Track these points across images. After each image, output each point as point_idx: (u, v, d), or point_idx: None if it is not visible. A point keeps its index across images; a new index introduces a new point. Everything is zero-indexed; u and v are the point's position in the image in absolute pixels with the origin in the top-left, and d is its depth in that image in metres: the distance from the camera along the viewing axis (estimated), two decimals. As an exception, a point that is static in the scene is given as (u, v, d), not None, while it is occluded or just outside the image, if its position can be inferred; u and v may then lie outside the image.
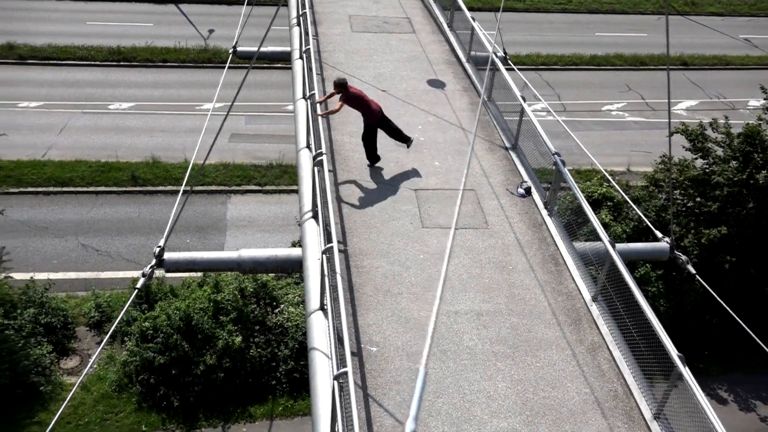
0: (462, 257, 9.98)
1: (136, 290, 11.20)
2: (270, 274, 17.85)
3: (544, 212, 11.06)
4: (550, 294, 9.53)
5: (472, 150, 8.38)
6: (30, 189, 22.49)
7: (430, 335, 4.54)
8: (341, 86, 11.46)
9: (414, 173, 11.74)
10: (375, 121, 11.73)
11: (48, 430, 9.17)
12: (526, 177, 11.86)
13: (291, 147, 25.34)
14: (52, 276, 18.77)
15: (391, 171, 11.73)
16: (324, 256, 8.40)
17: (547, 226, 10.81)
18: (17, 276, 17.84)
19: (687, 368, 7.29)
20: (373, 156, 11.92)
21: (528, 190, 11.50)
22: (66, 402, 9.67)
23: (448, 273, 9.65)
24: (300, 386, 16.24)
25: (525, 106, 12.03)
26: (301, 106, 13.07)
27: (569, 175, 10.45)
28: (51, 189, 22.59)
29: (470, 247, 10.20)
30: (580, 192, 10.14)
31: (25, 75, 29.20)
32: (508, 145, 12.84)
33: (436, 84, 14.77)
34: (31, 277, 18.00)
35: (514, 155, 12.53)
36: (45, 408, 15.38)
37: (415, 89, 14.44)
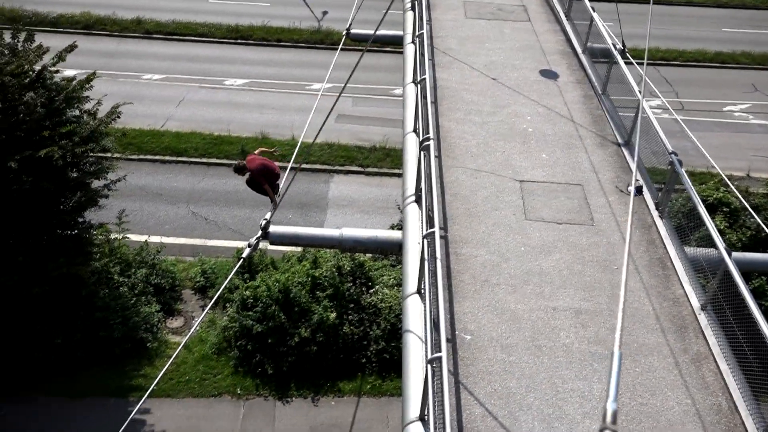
0: (564, 253, 9.76)
1: (241, 259, 11.70)
2: (367, 255, 18.13)
3: (655, 213, 10.63)
4: (655, 298, 9.17)
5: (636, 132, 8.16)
6: (149, 157, 23.86)
7: (620, 320, 4.23)
8: (242, 169, 12.09)
9: (520, 164, 11.55)
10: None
11: (153, 384, 9.80)
12: (637, 175, 11.42)
13: (395, 131, 25.57)
14: (164, 240, 19.87)
15: (497, 160, 11.60)
16: (425, 240, 8.44)
17: (657, 227, 10.39)
18: (133, 237, 19.05)
19: (802, 389, 6.85)
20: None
21: (639, 189, 11.08)
22: (171, 360, 10.26)
23: (547, 268, 9.48)
24: (389, 367, 16.46)
25: (643, 101, 11.56)
26: (411, 91, 13.12)
27: (686, 176, 9.98)
28: (167, 158, 23.86)
29: (573, 243, 9.95)
30: (696, 195, 9.66)
31: (150, 48, 30.88)
32: (620, 141, 12.40)
33: (549, 74, 14.43)
34: (146, 240, 19.12)
35: (626, 152, 12.09)
36: (150, 363, 16.36)
37: (526, 79, 14.16)
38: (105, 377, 15.94)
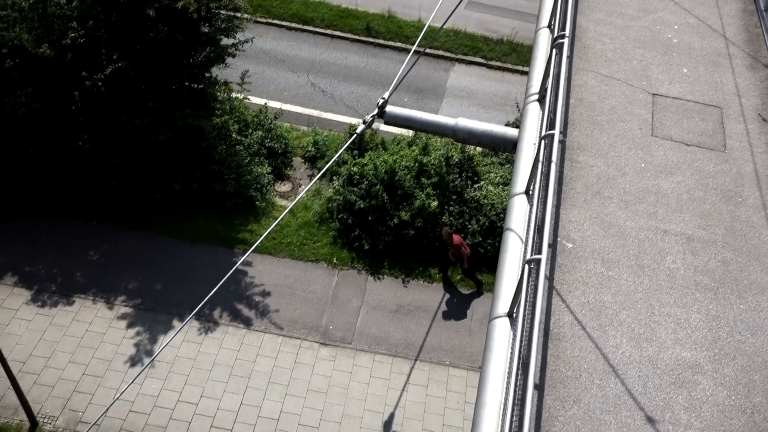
0: (687, 176, 9.27)
1: (354, 135, 11.84)
2: (478, 150, 17.93)
3: (797, 149, 9.81)
4: (778, 238, 8.64)
5: None
6: (276, 21, 24.01)
7: None
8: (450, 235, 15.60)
9: (656, 77, 10.83)
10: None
11: (258, 240, 10.38)
12: (786, 105, 10.49)
13: (525, 25, 24.44)
14: (282, 106, 20.34)
15: (632, 69, 10.92)
16: (542, 142, 8.21)
17: (795, 164, 9.62)
18: (253, 99, 19.62)
19: None
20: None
21: (784, 120, 10.20)
22: (276, 221, 10.75)
23: (666, 189, 9.06)
24: (482, 262, 16.64)
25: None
26: (552, -18, 12.34)
27: (843, 113, 9.08)
28: (293, 25, 23.95)
29: (699, 167, 9.41)
30: None
31: None
32: (774, 65, 11.33)
33: (708, -19, 13.15)
34: (264, 104, 19.64)
35: (778, 78, 11.05)
36: (257, 221, 17.27)
37: (681, -17, 12.99)
38: (215, 227, 17.02)
